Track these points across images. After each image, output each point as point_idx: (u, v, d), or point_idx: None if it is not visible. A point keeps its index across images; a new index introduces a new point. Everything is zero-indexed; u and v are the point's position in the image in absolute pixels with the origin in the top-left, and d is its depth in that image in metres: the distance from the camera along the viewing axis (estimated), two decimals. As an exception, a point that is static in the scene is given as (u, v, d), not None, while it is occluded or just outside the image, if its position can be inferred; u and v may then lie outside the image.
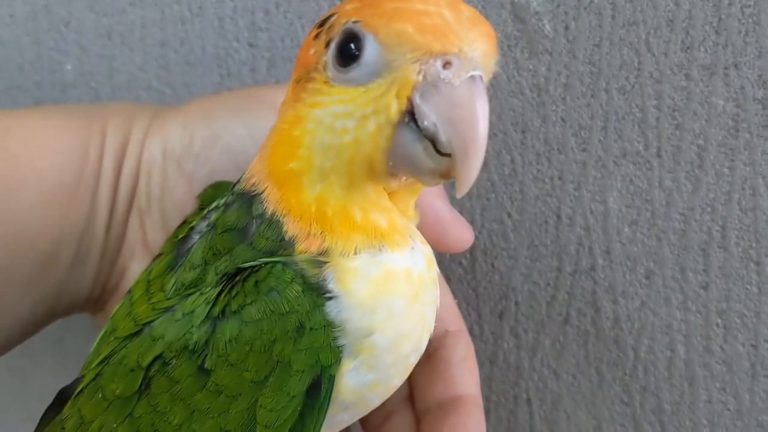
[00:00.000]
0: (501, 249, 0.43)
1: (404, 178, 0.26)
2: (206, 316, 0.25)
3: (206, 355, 0.25)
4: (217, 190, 0.33)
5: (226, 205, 0.28)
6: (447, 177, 0.25)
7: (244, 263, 0.26)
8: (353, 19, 0.24)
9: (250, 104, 0.36)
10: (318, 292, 0.25)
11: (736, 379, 0.41)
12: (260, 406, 0.25)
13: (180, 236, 0.31)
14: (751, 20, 0.37)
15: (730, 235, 0.40)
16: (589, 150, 0.40)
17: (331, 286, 0.25)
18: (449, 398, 0.32)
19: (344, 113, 0.24)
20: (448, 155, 0.24)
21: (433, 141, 0.24)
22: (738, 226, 0.40)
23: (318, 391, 0.25)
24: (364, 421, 0.33)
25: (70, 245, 0.34)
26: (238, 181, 0.29)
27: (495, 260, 0.43)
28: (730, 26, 0.37)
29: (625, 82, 0.39)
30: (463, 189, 0.24)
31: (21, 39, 0.45)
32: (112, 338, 0.28)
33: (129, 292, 0.31)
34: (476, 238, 0.43)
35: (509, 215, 0.42)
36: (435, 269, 0.28)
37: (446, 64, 0.24)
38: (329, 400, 0.26)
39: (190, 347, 0.25)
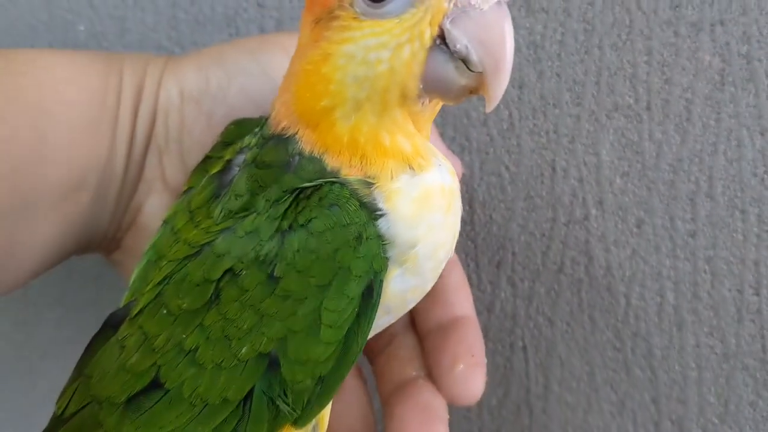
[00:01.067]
0: (498, 201, 0.45)
1: (428, 100, 0.29)
2: (275, 230, 0.27)
3: (275, 264, 0.27)
4: (240, 127, 0.35)
5: (260, 145, 0.30)
6: (475, 92, 0.28)
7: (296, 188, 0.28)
8: None
9: (263, 46, 0.37)
10: (369, 209, 0.28)
11: (722, 323, 0.43)
12: (324, 308, 0.27)
13: (215, 170, 0.32)
14: None
15: (717, 184, 0.42)
16: (582, 104, 0.42)
17: (380, 204, 0.28)
18: (449, 320, 0.36)
19: (378, 44, 0.27)
20: (478, 72, 0.27)
21: (464, 61, 0.27)
22: (724, 176, 0.42)
23: (371, 294, 0.28)
24: (370, 344, 0.35)
25: (93, 177, 0.35)
26: (264, 122, 0.31)
27: (493, 212, 0.45)
28: None
29: (616, 38, 0.42)
30: (493, 103, 0.27)
31: (33, 0, 0.47)
32: (164, 263, 0.30)
33: (166, 222, 0.33)
34: (474, 190, 0.45)
35: (507, 168, 0.44)
36: (456, 179, 0.31)
37: None
38: (379, 302, 0.28)
39: (261, 258, 0.27)
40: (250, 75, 0.36)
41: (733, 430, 0.44)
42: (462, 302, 0.36)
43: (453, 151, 0.44)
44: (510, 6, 0.28)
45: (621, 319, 0.45)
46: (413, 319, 0.37)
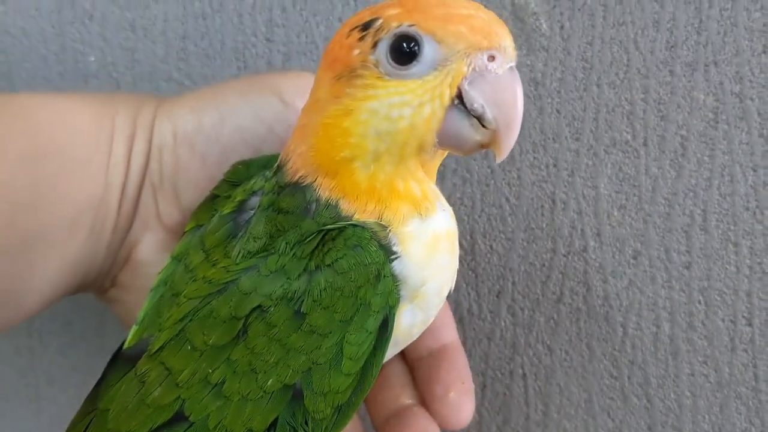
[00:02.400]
0: (499, 232, 0.45)
1: (439, 151, 0.30)
2: (303, 269, 0.29)
3: (303, 301, 0.29)
4: (247, 167, 0.35)
5: (276, 192, 0.31)
6: (486, 147, 0.30)
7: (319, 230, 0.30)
8: (407, 23, 0.28)
9: (254, 88, 0.38)
10: (386, 251, 0.29)
11: (716, 352, 0.44)
12: (346, 341, 0.29)
13: (227, 210, 0.33)
14: (728, 21, 0.41)
15: (711, 218, 0.43)
16: (581, 139, 0.44)
17: (395, 248, 0.30)
18: (437, 347, 0.38)
19: (401, 103, 0.28)
20: (491, 129, 0.29)
21: (478, 118, 0.28)
22: (718, 210, 0.43)
23: (386, 328, 0.30)
24: None
25: (87, 216, 0.36)
26: (274, 167, 0.32)
27: (493, 242, 0.46)
28: (710, 27, 0.41)
29: (614, 77, 0.43)
30: (503, 156, 0.29)
31: (46, 31, 0.47)
32: (183, 300, 0.31)
33: (177, 259, 0.33)
34: (476, 221, 0.46)
35: (507, 200, 0.45)
36: (455, 222, 0.33)
37: (490, 58, 0.28)
38: (392, 335, 0.30)
39: (289, 295, 0.29)
40: (242, 116, 0.37)
41: None
42: (448, 330, 0.39)
43: (455, 183, 0.46)
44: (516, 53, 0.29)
45: (618, 347, 0.45)
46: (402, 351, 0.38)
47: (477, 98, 0.28)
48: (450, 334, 0.39)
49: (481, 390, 0.47)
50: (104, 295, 0.40)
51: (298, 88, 0.37)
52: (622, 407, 0.46)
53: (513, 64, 0.29)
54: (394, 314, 0.30)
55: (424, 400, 0.37)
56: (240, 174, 0.35)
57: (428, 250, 0.31)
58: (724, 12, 0.40)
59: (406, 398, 0.38)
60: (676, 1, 0.41)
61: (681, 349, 0.45)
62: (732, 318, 0.44)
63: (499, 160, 0.29)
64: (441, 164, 0.42)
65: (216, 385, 0.29)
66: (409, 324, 0.31)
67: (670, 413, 0.45)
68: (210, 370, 0.29)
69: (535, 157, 0.44)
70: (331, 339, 0.29)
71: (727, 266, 0.43)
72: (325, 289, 0.29)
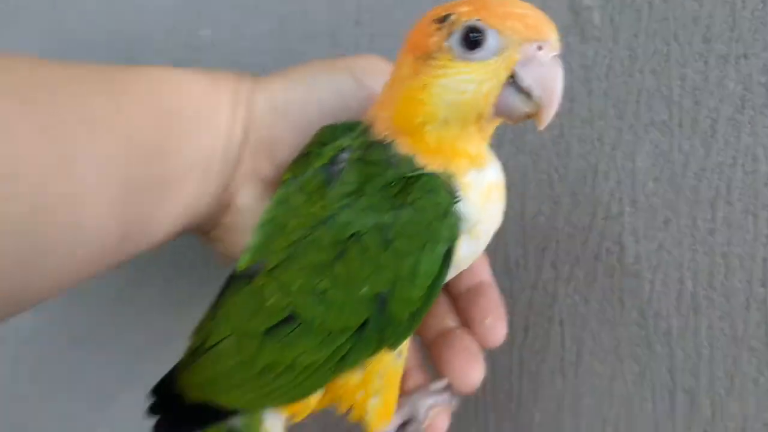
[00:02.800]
0: (547, 196, 0.52)
1: (494, 119, 0.37)
2: (390, 207, 0.36)
3: (390, 231, 0.35)
4: (334, 130, 0.42)
5: (364, 148, 0.38)
6: (531, 117, 0.36)
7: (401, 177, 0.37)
8: (475, 18, 0.34)
9: (333, 68, 0.45)
10: (452, 195, 0.36)
11: (733, 310, 0.50)
12: (421, 262, 0.36)
13: (320, 164, 0.40)
14: (759, 21, 0.46)
15: (734, 192, 0.48)
16: (623, 118, 0.50)
17: (458, 193, 0.36)
18: (475, 284, 0.45)
19: (467, 80, 0.35)
20: (535, 103, 0.35)
21: (527, 94, 0.35)
22: (740, 185, 0.48)
23: (449, 255, 0.36)
24: None
25: (199, 167, 0.42)
26: (363, 129, 0.39)
27: (541, 205, 0.52)
28: (742, 25, 0.46)
29: (656, 65, 0.48)
30: (543, 125, 0.36)
31: (165, 6, 0.55)
32: (290, 230, 0.38)
33: (279, 202, 0.40)
34: (527, 186, 0.52)
35: (555, 169, 0.52)
36: (503, 176, 0.39)
37: (538, 47, 0.35)
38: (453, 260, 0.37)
39: (379, 226, 0.36)
40: (323, 90, 0.43)
41: (738, 402, 0.51)
42: (484, 270, 0.46)
43: (510, 152, 0.52)
44: (564, 43, 0.36)
45: (646, 301, 0.52)
46: (445, 285, 0.44)
47: (526, 78, 0.34)
48: (486, 273, 0.46)
49: (524, 332, 0.54)
50: (207, 236, 0.47)
51: (367, 69, 0.44)
52: (647, 353, 0.52)
53: (557, 53, 0.35)
54: (455, 244, 0.37)
55: (465, 324, 0.44)
56: (326, 136, 0.42)
57: (482, 196, 0.37)
58: (756, 12, 0.46)
59: (451, 322, 0.45)
60: (714, 0, 0.47)
61: (701, 306, 0.51)
62: (748, 280, 0.49)
63: (540, 128, 0.36)
64: (500, 135, 0.49)
65: (320, 293, 0.36)
66: (465, 253, 0.38)
67: (689, 361, 0.51)
68: (315, 282, 0.36)
69: (582, 132, 0.51)
70: (410, 260, 0.36)
71: (746, 234, 0.49)
72: (406, 222, 0.35)
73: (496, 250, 0.53)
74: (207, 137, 0.43)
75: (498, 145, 0.51)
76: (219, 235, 0.47)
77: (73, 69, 0.39)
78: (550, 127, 0.49)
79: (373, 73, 0.42)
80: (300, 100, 0.44)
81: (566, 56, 0.49)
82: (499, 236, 0.46)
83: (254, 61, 0.55)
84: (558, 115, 0.50)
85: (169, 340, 0.51)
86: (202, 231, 0.47)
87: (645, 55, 0.49)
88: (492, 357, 0.54)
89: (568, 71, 0.49)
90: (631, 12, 0.48)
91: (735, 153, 0.48)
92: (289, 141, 0.44)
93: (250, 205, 0.45)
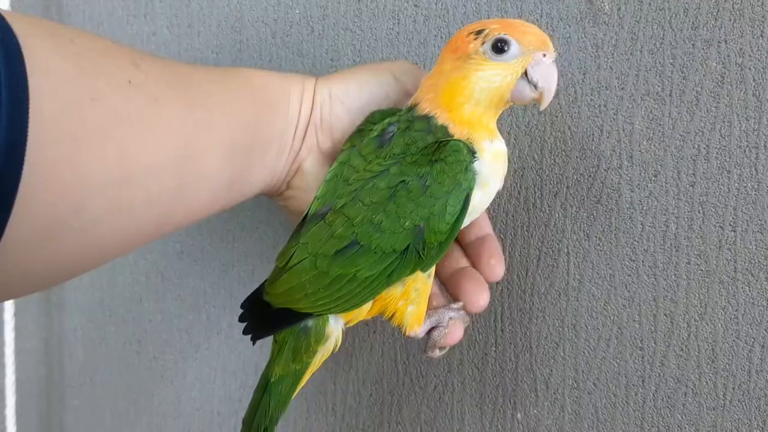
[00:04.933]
0: (561, 150, 0.61)
1: (507, 103, 0.49)
2: (428, 162, 0.45)
3: (427, 178, 0.45)
4: (382, 113, 0.51)
5: (410, 120, 0.47)
6: (535, 101, 0.47)
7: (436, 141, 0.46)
8: (503, 33, 0.46)
9: (378, 69, 0.56)
10: (472, 155, 0.46)
11: (707, 249, 0.57)
12: (448, 203, 0.45)
13: (373, 135, 0.49)
14: (737, 12, 0.55)
15: (712, 151, 0.57)
16: (625, 89, 0.58)
17: (477, 154, 0.46)
18: (481, 235, 0.55)
19: (495, 74, 0.47)
20: (539, 92, 0.47)
21: (534, 86, 0.47)
22: (717, 147, 0.56)
23: (468, 199, 0.46)
24: None
25: (277, 140, 0.51)
26: (409, 108, 0.48)
27: (556, 157, 0.61)
28: (723, 15, 0.55)
29: (653, 46, 0.57)
30: (544, 106, 0.48)
31: (268, -9, 0.69)
32: (353, 181, 0.47)
33: (343, 163, 0.49)
34: (545, 141, 0.62)
35: (569, 128, 0.60)
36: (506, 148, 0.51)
37: (543, 54, 0.46)
38: (470, 204, 0.46)
39: (420, 175, 0.45)
40: (371, 86, 0.53)
41: (709, 326, 0.58)
42: (487, 225, 0.55)
43: (533, 114, 0.62)
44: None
45: (637, 239, 0.59)
46: (457, 236, 0.52)
47: (535, 75, 0.46)
48: (489, 228, 0.55)
49: (537, 261, 0.64)
50: (281, 196, 0.55)
51: (402, 69, 0.53)
52: (636, 282, 0.60)
53: (555, 58, 0.46)
54: (472, 192, 0.46)
55: (474, 265, 0.53)
56: (376, 117, 0.51)
57: (493, 158, 0.47)
58: (735, 4, 0.55)
59: (463, 262, 0.54)
60: (702, -5, 0.56)
61: (682, 245, 0.58)
62: (721, 225, 0.57)
63: (542, 108, 0.48)
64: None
65: (376, 224, 0.45)
66: (477, 201, 0.47)
67: (670, 289, 0.59)
68: (373, 217, 0.45)
69: (591, 99, 0.60)
70: (441, 201, 0.45)
71: (721, 187, 0.56)
72: (439, 173, 0.45)
73: (518, 193, 0.64)
74: (283, 118, 0.52)
75: (524, 108, 0.63)
76: (290, 194, 0.55)
77: (198, 70, 0.49)
78: (565, 93, 0.61)
79: (406, 73, 0.53)
80: (352, 91, 0.55)
81: (581, 37, 0.61)
82: (521, 181, 0.58)
83: (335, 34, 0.68)
84: (572, 84, 0.62)
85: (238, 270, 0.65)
86: (279, 192, 0.55)
87: (644, 38, 0.57)
88: (510, 280, 0.66)
89: (583, 48, 0.61)
90: (635, 3, 0.58)
91: (714, 119, 0.56)
92: (345, 122, 0.53)
93: (312, 169, 0.54)
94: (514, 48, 0.46)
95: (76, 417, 0.89)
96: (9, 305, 0.82)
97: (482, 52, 0.46)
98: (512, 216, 0.64)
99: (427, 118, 0.48)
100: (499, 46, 0.46)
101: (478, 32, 0.46)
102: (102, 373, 0.87)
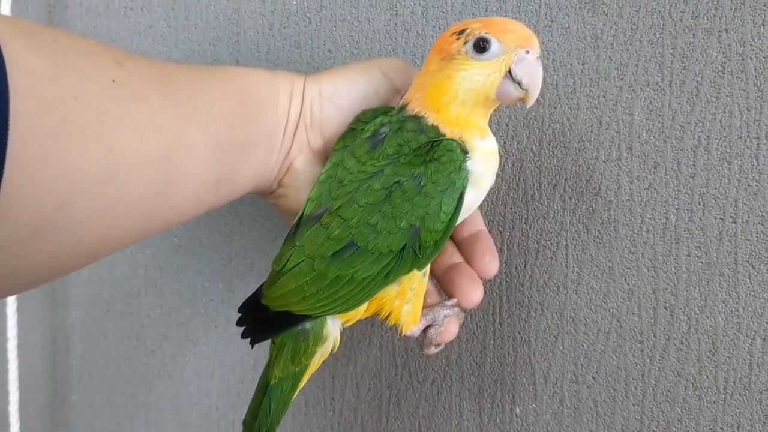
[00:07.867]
0: (560, 141, 0.61)
1: (495, 102, 0.48)
2: (421, 162, 0.46)
3: (422, 178, 0.45)
4: (374, 112, 0.51)
5: (401, 121, 0.48)
6: (520, 100, 0.47)
7: (429, 141, 0.46)
8: (484, 32, 0.46)
9: (367, 67, 0.55)
10: (464, 154, 0.46)
11: (708, 241, 0.57)
12: (443, 203, 0.46)
13: (366, 135, 0.49)
14: (738, 1, 0.54)
15: (713, 142, 0.57)
16: (624, 79, 0.58)
17: (469, 153, 0.47)
18: (474, 232, 0.55)
19: (478, 74, 0.47)
20: (524, 90, 0.47)
21: (518, 84, 0.47)
22: (718, 137, 0.56)
23: (461, 198, 0.46)
24: None
25: (266, 139, 0.51)
26: (401, 108, 0.49)
27: (555, 149, 0.61)
28: (724, 4, 0.55)
29: (653, 36, 0.57)
30: (530, 104, 0.48)
31: (265, -18, 0.69)
32: (347, 182, 0.47)
33: (336, 164, 0.49)
34: (544, 133, 0.62)
35: (568, 119, 0.60)
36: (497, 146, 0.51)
37: (527, 52, 0.46)
38: (463, 204, 0.47)
39: (414, 175, 0.45)
40: (361, 83, 0.53)
41: (710, 318, 0.58)
42: (479, 222, 0.56)
43: (533, 106, 0.62)
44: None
45: (636, 231, 0.59)
46: (452, 233, 0.52)
47: (518, 73, 0.46)
48: (482, 224, 0.56)
49: (535, 253, 0.64)
50: (272, 195, 0.55)
51: (391, 67, 0.53)
52: (636, 275, 0.60)
53: (539, 55, 0.46)
54: (465, 191, 0.46)
55: (468, 261, 0.54)
56: (367, 116, 0.51)
57: (484, 157, 0.47)
58: None
59: (457, 259, 0.54)
60: (703, -16, 0.56)
61: (682, 236, 0.58)
62: (722, 216, 0.57)
63: (528, 106, 0.48)
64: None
65: (373, 225, 0.45)
66: (470, 199, 0.48)
67: (670, 282, 0.59)
68: (369, 218, 0.45)
69: (590, 90, 0.59)
70: (436, 200, 0.45)
71: (722, 179, 0.56)
72: (433, 172, 0.45)
73: (517, 185, 0.64)
74: (272, 116, 0.52)
75: (521, 102, 0.63)
76: (281, 192, 0.55)
77: (182, 69, 0.49)
78: (564, 84, 0.61)
79: (395, 70, 0.53)
80: (342, 89, 0.55)
81: (581, 27, 0.61)
82: (519, 173, 0.57)
83: (332, 24, 0.68)
84: (571, 75, 0.61)
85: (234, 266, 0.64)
86: (270, 191, 0.55)
87: (644, 28, 0.57)
88: (508, 273, 0.65)
89: (582, 38, 0.61)
90: (634, -8, 0.59)
91: (714, 110, 0.56)
92: (335, 120, 0.53)
93: (304, 168, 0.54)
94: (494, 47, 0.46)
95: (74, 411, 0.89)
96: (12, 301, 0.82)
97: (465, 52, 0.46)
98: (510, 208, 0.64)
99: (418, 119, 0.48)
100: (481, 45, 0.46)
101: (461, 32, 0.47)
102: (100, 367, 0.87)
